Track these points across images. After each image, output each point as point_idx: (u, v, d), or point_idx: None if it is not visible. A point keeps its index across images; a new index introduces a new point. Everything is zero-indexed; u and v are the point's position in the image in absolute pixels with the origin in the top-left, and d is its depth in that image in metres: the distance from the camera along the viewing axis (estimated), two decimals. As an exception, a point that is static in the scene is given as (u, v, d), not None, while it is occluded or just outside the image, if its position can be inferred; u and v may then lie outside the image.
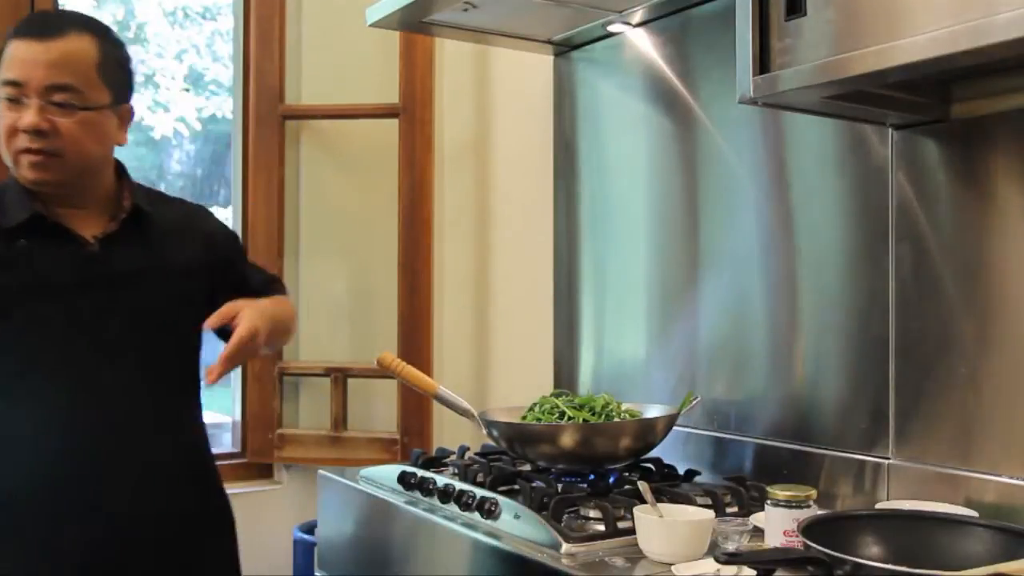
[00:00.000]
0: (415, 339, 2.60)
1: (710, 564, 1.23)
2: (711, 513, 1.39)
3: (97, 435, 1.50)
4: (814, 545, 1.11)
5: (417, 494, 1.70)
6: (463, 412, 1.78)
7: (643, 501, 1.41)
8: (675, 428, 1.73)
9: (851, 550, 1.16)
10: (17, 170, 1.49)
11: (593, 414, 1.71)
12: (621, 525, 1.41)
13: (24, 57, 1.44)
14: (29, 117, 1.43)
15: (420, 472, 1.76)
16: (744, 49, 1.30)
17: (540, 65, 2.36)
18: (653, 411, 1.77)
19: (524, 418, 1.77)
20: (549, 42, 2.24)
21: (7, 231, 1.47)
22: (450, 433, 2.46)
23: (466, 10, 1.96)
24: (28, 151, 1.45)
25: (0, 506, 1.45)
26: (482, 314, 2.64)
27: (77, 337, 1.50)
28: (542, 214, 2.36)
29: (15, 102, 1.44)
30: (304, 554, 2.43)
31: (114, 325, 1.53)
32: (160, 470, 1.55)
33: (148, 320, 1.56)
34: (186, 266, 1.62)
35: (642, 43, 2.08)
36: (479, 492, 1.57)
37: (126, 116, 1.58)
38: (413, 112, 2.61)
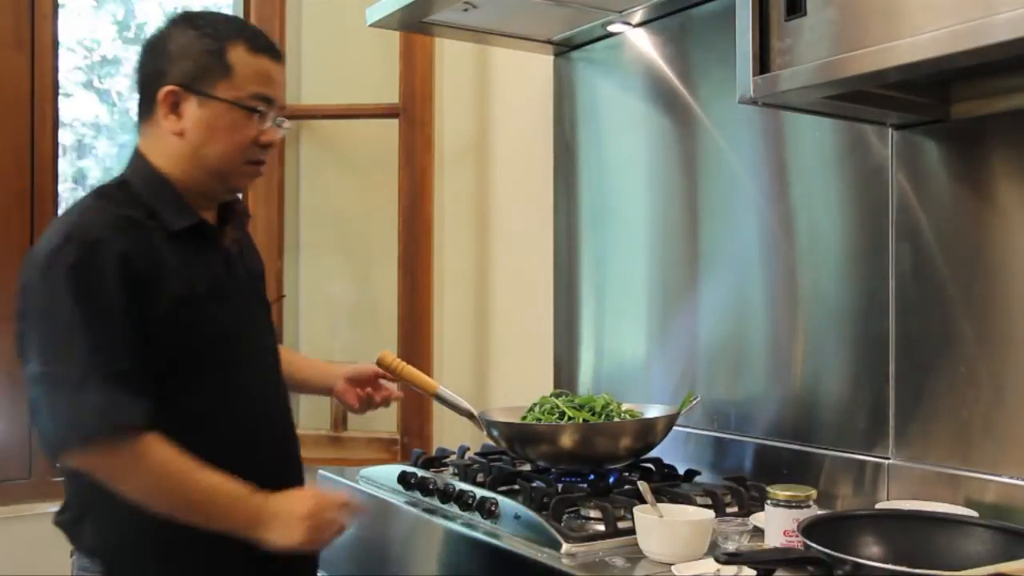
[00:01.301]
0: (415, 339, 2.60)
1: (710, 564, 1.23)
2: (711, 513, 1.39)
3: (270, 423, 1.55)
4: (814, 545, 1.11)
5: (417, 494, 1.70)
6: (463, 412, 1.78)
7: (643, 501, 1.41)
8: (675, 428, 1.73)
9: (851, 550, 1.16)
10: (232, 179, 1.51)
11: (593, 414, 1.72)
12: (621, 525, 1.41)
13: (278, 79, 1.52)
14: (277, 134, 1.51)
15: (420, 472, 1.76)
16: (744, 49, 1.31)
17: (540, 65, 2.36)
18: (653, 411, 1.77)
19: (524, 418, 1.77)
20: (549, 42, 2.24)
21: (172, 234, 1.45)
22: (450, 433, 2.46)
23: (466, 10, 1.96)
24: (259, 163, 1.52)
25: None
26: (482, 314, 2.64)
27: (237, 337, 1.53)
28: (542, 214, 2.36)
29: (262, 116, 1.49)
30: (304, 554, 2.42)
31: (257, 324, 1.59)
32: (294, 444, 1.61)
33: (269, 317, 1.64)
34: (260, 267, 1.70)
35: (642, 43, 2.08)
36: (479, 492, 1.57)
37: None
38: (413, 112, 2.61)
